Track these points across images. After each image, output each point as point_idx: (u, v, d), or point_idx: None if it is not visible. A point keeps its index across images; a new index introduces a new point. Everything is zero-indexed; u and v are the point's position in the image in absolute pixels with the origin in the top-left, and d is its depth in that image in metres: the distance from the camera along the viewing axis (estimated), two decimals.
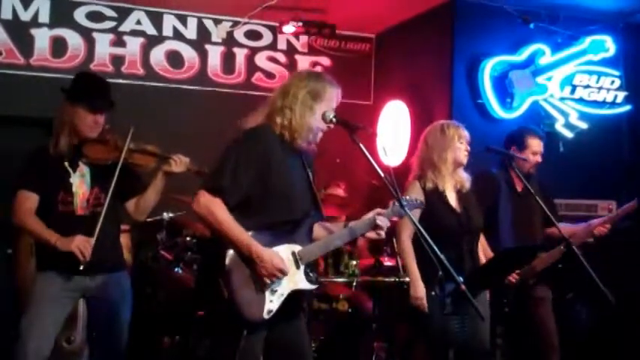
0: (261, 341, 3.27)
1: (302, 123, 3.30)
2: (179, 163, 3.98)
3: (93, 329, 4.22)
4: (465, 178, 4.39)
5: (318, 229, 3.49)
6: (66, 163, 3.93)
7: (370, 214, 3.44)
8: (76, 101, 3.91)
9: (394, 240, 5.50)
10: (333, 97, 3.40)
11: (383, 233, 3.42)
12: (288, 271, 3.22)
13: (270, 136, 3.30)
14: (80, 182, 3.94)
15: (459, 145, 4.32)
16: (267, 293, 3.19)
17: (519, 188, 5.00)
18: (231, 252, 3.15)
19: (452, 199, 4.34)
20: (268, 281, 3.17)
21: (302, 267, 3.30)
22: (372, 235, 3.44)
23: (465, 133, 4.38)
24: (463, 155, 4.33)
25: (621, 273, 5.68)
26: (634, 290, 5.85)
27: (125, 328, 4.07)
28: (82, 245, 3.73)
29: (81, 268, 3.73)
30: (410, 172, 4.47)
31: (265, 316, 3.18)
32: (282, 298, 3.23)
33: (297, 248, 3.30)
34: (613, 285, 4.18)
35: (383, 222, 3.40)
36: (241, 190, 3.19)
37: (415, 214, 4.06)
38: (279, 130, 3.31)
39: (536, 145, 5.04)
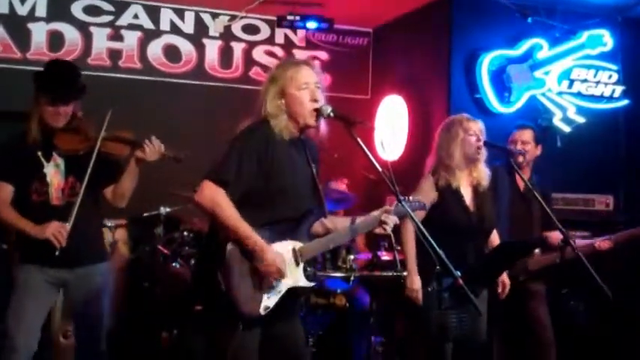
0: (257, 337, 3.27)
1: (278, 121, 3.28)
2: (152, 150, 3.89)
3: (74, 321, 4.17)
4: (483, 176, 4.32)
5: (316, 225, 3.48)
6: (39, 153, 3.89)
7: (377, 212, 3.43)
8: (39, 91, 3.87)
9: (391, 235, 5.51)
10: (292, 75, 3.32)
11: (389, 228, 3.41)
12: (286, 275, 3.21)
13: (270, 130, 3.28)
14: (55, 172, 3.90)
15: (467, 138, 4.25)
16: (265, 290, 3.19)
17: (521, 185, 4.99)
18: (230, 246, 3.14)
19: (467, 196, 4.29)
20: (271, 281, 3.17)
21: (302, 264, 3.30)
22: (378, 230, 3.44)
23: (472, 124, 4.29)
24: (474, 149, 4.26)
25: (618, 268, 5.68)
26: (631, 285, 5.86)
27: (103, 321, 4.05)
28: (56, 231, 3.69)
29: (57, 253, 3.69)
30: (424, 170, 4.43)
31: (262, 312, 3.17)
32: (280, 295, 3.23)
33: (297, 245, 3.29)
34: (610, 280, 4.18)
35: (390, 219, 3.39)
36: (244, 185, 3.18)
37: (429, 197, 4.06)
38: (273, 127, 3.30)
39: (514, 134, 5.07)
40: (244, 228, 3.13)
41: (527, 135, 5.09)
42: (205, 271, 3.28)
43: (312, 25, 6.74)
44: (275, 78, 3.34)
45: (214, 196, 3.14)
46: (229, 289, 3.12)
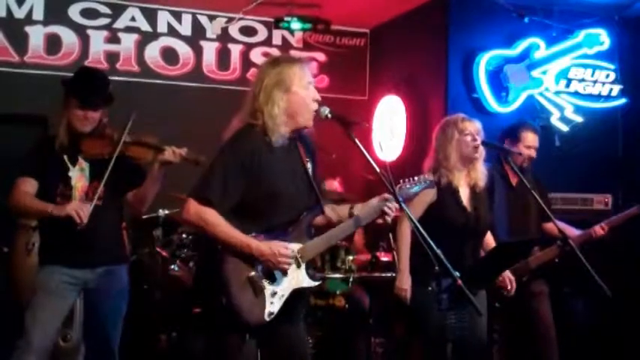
0: (256, 342, 3.26)
1: (279, 122, 3.19)
2: (174, 154, 3.98)
3: (88, 321, 4.23)
4: (480, 176, 4.31)
5: (327, 211, 3.42)
6: (65, 157, 3.97)
7: (375, 200, 3.36)
8: (70, 95, 3.96)
9: (390, 235, 5.51)
10: (297, 73, 3.25)
11: (389, 219, 3.35)
12: (295, 254, 3.19)
13: (255, 137, 3.20)
14: (79, 176, 3.98)
15: (462, 139, 4.25)
16: (268, 295, 3.16)
17: (514, 183, 5.00)
18: (226, 257, 3.12)
19: (464, 196, 4.29)
20: (285, 267, 3.15)
21: (303, 265, 3.27)
22: (379, 220, 3.36)
23: (468, 125, 4.28)
24: (470, 149, 4.24)
25: (618, 266, 5.68)
26: (631, 283, 5.86)
27: (120, 323, 4.11)
28: (77, 207, 3.74)
29: (78, 229, 3.72)
30: (423, 170, 4.42)
31: (267, 318, 3.15)
32: (284, 299, 3.20)
33: (296, 247, 3.25)
34: (610, 278, 4.18)
35: (391, 208, 3.31)
36: (232, 199, 3.14)
37: (415, 203, 4.03)
38: (261, 129, 3.21)
39: (530, 139, 5.04)
40: (236, 238, 3.10)
41: (537, 140, 5.09)
42: (205, 285, 3.26)
43: (308, 26, 6.74)
44: (279, 74, 3.23)
45: (200, 214, 3.12)
46: (231, 301, 3.10)
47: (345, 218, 3.40)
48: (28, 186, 3.91)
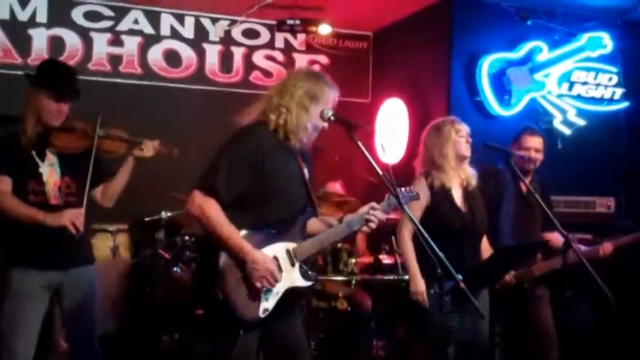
0: (256, 339, 3.27)
1: (297, 123, 3.29)
2: (149, 148, 3.96)
3: (67, 324, 4.10)
4: (471, 175, 4.39)
5: (314, 223, 3.50)
6: (33, 153, 3.86)
7: (365, 208, 3.46)
8: (39, 88, 3.85)
9: (393, 238, 5.51)
10: (330, 98, 3.38)
11: (373, 225, 3.45)
12: (280, 278, 3.22)
13: (263, 133, 3.29)
14: (50, 171, 3.88)
15: (458, 139, 4.32)
16: (262, 293, 3.19)
17: (523, 187, 4.99)
18: (224, 254, 3.15)
19: (457, 197, 4.32)
20: (259, 285, 3.17)
21: (297, 264, 3.31)
22: (363, 229, 3.47)
23: (462, 127, 4.38)
24: (464, 148, 4.33)
25: (621, 270, 5.67)
26: (635, 288, 5.85)
27: (97, 322, 4.04)
28: (74, 217, 3.66)
29: (76, 239, 3.66)
30: (415, 174, 4.45)
31: (261, 315, 3.19)
32: (278, 297, 3.24)
33: (291, 246, 3.30)
34: (613, 283, 4.17)
35: (376, 215, 3.43)
36: (235, 189, 3.19)
37: (413, 207, 4.07)
38: (272, 128, 3.30)
39: (527, 140, 5.02)
40: (233, 237, 3.14)
41: (540, 143, 5.06)
42: (202, 280, 3.29)
43: (312, 29, 6.74)
44: (319, 89, 3.37)
45: (203, 204, 3.16)
46: (226, 296, 3.13)
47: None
48: (5, 185, 3.78)
